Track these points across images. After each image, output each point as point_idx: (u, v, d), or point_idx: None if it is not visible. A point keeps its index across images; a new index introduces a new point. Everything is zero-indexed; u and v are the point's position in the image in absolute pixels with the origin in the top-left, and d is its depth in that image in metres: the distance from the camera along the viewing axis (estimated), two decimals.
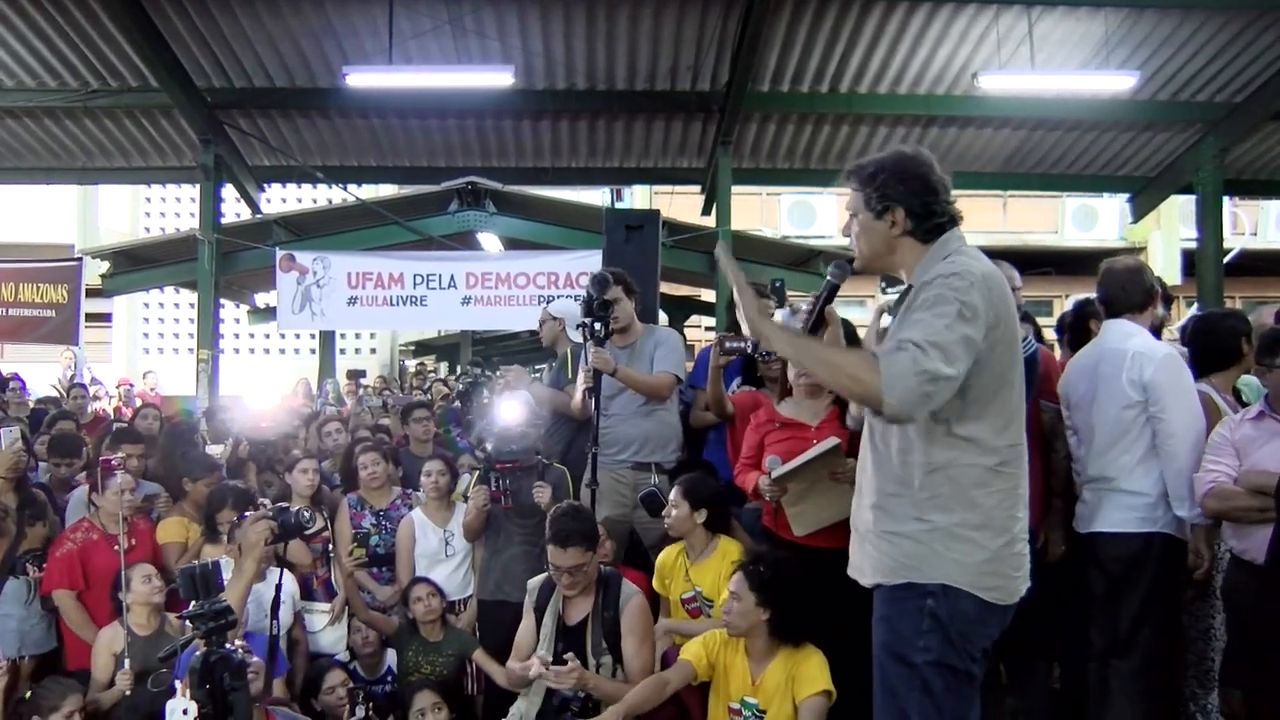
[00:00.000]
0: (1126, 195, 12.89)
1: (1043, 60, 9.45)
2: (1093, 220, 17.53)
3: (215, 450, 5.49)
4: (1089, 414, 3.65)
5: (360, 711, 3.89)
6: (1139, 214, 12.92)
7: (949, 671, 2.33)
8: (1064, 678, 4.27)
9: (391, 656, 4.68)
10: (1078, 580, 3.81)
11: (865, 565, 2.50)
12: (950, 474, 2.33)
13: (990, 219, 16.35)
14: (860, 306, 14.88)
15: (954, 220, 2.46)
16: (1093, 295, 4.03)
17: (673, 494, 4.10)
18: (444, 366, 19.87)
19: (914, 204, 2.42)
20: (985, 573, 2.33)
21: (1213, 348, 3.84)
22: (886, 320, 3.33)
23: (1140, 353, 3.51)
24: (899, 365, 2.20)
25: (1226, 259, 11.83)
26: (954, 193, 2.49)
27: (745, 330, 2.44)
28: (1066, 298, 17.39)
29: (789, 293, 4.09)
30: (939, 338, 2.21)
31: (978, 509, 2.33)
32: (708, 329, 14.53)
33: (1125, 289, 3.72)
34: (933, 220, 2.44)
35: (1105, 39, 9.29)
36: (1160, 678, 3.57)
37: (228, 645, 2.47)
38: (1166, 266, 16.23)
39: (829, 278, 2.61)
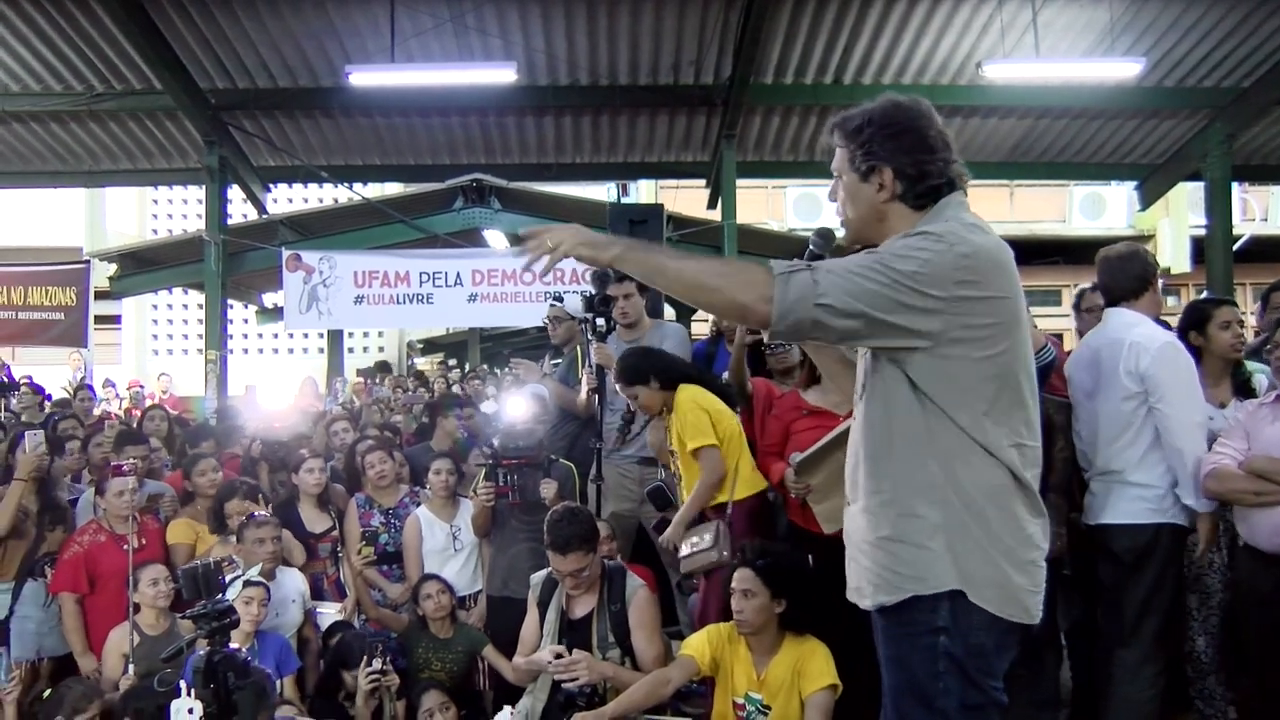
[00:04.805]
0: (1134, 183, 12.82)
1: (1047, 48, 9.40)
2: (1100, 208, 17.43)
3: None
4: (1093, 406, 3.63)
5: (377, 663, 3.91)
6: (1147, 201, 12.86)
7: (975, 712, 2.07)
8: (1074, 668, 4.28)
9: None
10: (1085, 572, 3.80)
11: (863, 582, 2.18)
12: (943, 464, 2.03)
13: (997, 209, 16.28)
14: None
15: (954, 183, 2.10)
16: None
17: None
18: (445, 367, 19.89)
19: (904, 163, 2.07)
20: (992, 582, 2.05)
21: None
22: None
23: (1136, 343, 3.47)
24: (794, 284, 1.92)
25: (1236, 246, 11.75)
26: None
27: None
28: (1074, 287, 17.30)
29: None
30: (852, 281, 1.93)
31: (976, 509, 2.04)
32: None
33: (1116, 276, 3.68)
34: (927, 183, 2.08)
35: (1110, 26, 9.24)
36: (1164, 665, 3.56)
37: (231, 644, 2.47)
38: (1175, 254, 16.13)
39: (811, 247, 2.22)
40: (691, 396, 4.07)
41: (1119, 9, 9.13)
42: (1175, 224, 16.29)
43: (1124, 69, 9.47)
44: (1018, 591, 2.06)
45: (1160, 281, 3.79)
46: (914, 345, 1.98)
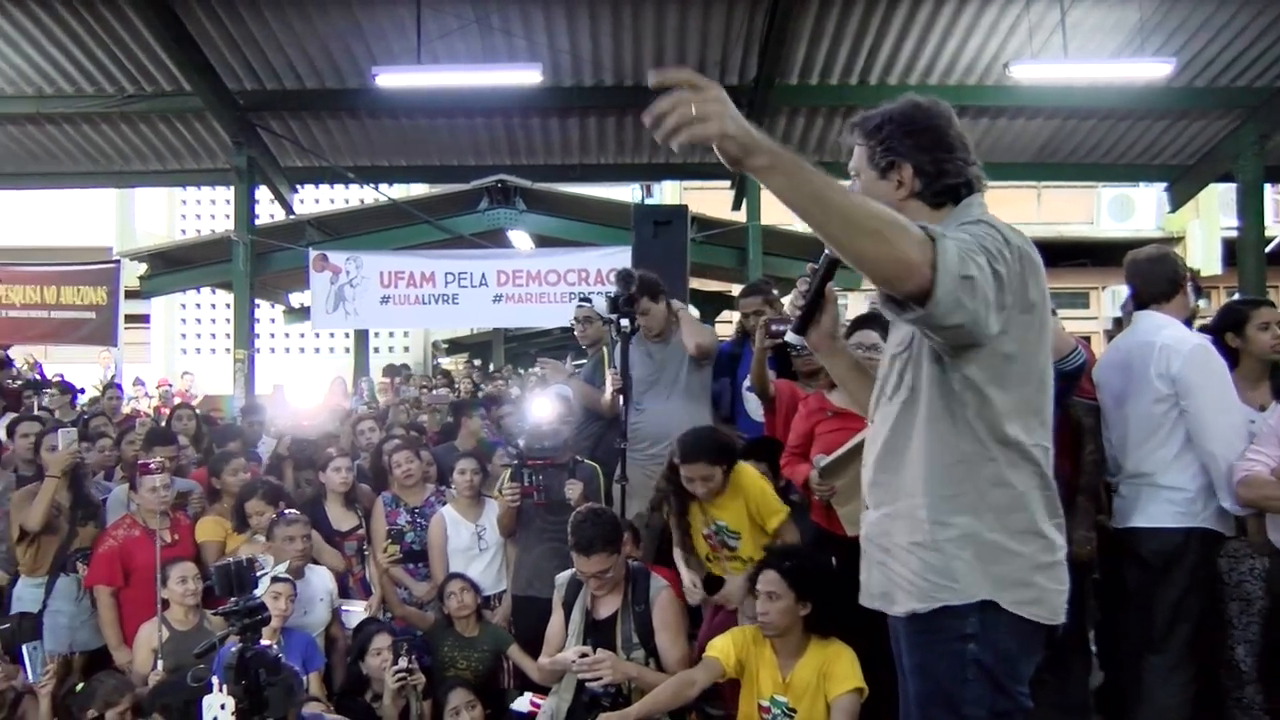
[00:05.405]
0: (1164, 184, 12.68)
1: (1076, 49, 9.32)
2: (1129, 210, 17.26)
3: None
4: (1123, 409, 3.60)
5: (403, 661, 3.96)
6: (1177, 203, 12.72)
7: (1004, 718, 2.07)
8: (1104, 673, 4.24)
9: None
10: (1113, 576, 3.77)
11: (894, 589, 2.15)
12: (972, 468, 2.02)
13: (1024, 210, 16.16)
14: None
15: (971, 185, 2.11)
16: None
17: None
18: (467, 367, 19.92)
19: (923, 161, 2.08)
20: (1020, 584, 2.03)
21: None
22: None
23: (1167, 345, 3.45)
24: (950, 248, 1.75)
25: (1269, 248, 11.59)
26: (988, 184, 2.15)
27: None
28: (1103, 289, 17.16)
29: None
30: (976, 254, 1.82)
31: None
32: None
33: (1146, 279, 3.66)
34: (945, 181, 2.09)
35: (1140, 26, 9.14)
36: (1196, 672, 3.53)
37: (262, 641, 2.50)
38: (1206, 256, 15.93)
39: (827, 250, 2.10)
40: (754, 471, 3.95)
41: (1149, 9, 9.03)
42: (1206, 226, 16.10)
43: (1154, 69, 9.37)
44: (1045, 594, 2.06)
45: (1190, 283, 3.76)
46: (980, 342, 1.92)
